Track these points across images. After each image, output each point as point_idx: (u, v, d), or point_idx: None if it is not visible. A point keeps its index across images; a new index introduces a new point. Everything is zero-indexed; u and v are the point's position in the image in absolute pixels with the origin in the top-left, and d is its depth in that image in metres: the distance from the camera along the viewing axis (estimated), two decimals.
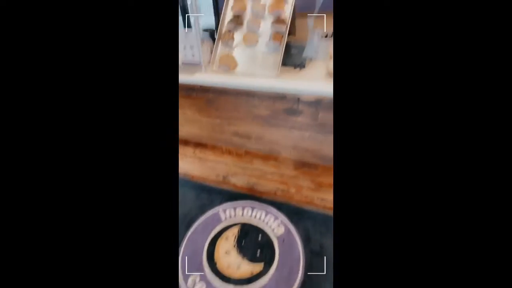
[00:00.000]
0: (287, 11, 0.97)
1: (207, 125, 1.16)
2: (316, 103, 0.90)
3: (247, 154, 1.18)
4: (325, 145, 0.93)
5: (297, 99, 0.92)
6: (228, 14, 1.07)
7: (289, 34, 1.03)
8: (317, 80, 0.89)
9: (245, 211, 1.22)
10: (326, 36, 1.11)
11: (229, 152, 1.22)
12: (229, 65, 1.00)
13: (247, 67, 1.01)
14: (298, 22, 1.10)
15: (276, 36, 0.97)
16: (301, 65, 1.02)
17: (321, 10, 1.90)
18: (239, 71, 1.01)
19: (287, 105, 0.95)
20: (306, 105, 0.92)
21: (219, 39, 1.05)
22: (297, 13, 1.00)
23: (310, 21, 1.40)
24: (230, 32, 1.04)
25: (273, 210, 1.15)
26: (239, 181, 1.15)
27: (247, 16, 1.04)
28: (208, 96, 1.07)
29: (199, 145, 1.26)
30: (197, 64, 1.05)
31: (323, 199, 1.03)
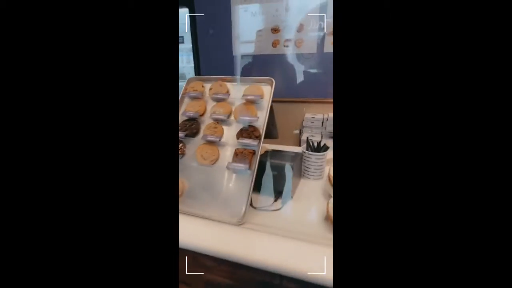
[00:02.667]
0: (261, 119, 0.67)
1: None
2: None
3: None
4: None
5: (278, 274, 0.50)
6: (179, 117, 0.77)
7: (267, 137, 0.71)
8: (314, 239, 0.50)
9: None
10: (320, 147, 0.80)
11: None
12: None
13: (198, 203, 0.63)
14: (277, 109, 0.77)
15: (243, 154, 0.64)
16: (283, 196, 0.65)
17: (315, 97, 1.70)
18: (186, 203, 0.63)
19: (261, 276, 0.53)
20: (295, 283, 0.50)
21: None
22: (274, 98, 0.69)
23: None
24: (180, 143, 0.71)
25: None
26: None
27: (205, 121, 0.74)
28: None
29: None
30: None
31: None
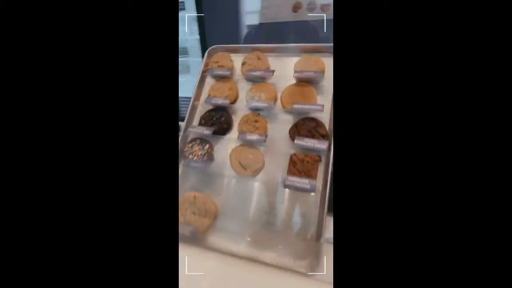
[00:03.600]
0: (327, 108, 0.45)
1: None
2: None
3: None
4: None
5: None
6: (200, 105, 0.55)
7: (323, 136, 0.49)
8: None
9: None
10: None
11: None
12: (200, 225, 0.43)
13: (238, 235, 0.42)
14: None
15: (304, 163, 0.43)
16: None
17: None
18: (218, 235, 0.42)
19: None
20: None
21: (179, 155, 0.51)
22: None
23: None
24: (206, 143, 0.51)
25: None
26: None
27: (239, 111, 0.52)
28: None
29: None
30: None
31: None
